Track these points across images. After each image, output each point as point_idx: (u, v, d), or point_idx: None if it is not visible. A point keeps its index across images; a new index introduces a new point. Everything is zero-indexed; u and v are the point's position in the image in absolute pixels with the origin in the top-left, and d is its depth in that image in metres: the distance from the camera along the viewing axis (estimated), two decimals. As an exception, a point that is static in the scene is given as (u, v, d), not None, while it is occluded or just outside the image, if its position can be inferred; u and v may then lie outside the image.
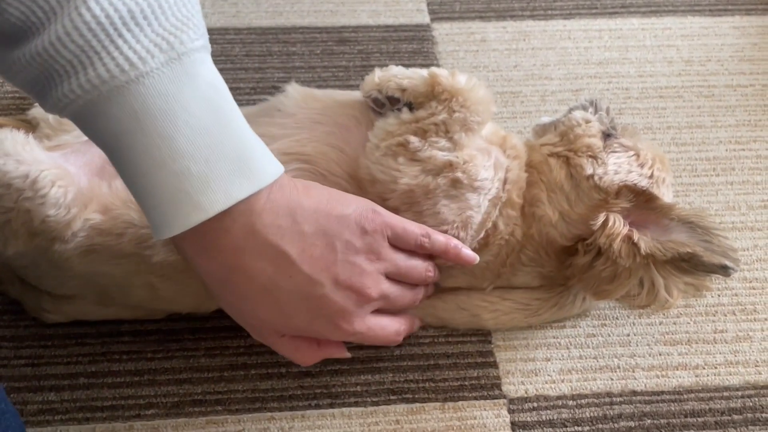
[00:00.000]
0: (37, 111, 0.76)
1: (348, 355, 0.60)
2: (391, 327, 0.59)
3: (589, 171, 0.63)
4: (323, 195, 0.54)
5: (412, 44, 0.96)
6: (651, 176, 0.64)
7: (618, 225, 0.60)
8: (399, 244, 0.57)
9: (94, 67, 0.44)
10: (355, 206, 0.55)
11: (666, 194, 0.65)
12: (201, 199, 0.46)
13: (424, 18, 1.00)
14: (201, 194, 0.46)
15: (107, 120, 0.46)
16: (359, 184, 0.62)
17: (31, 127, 0.76)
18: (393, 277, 0.57)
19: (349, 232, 0.53)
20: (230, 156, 0.47)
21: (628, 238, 0.60)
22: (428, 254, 0.60)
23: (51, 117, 0.73)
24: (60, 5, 0.44)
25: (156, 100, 0.45)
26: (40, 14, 0.44)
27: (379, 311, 0.58)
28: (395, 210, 0.60)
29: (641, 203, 0.62)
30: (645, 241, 0.60)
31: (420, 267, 0.59)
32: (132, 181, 0.49)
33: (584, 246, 0.62)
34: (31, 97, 0.49)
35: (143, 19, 0.45)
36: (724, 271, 0.59)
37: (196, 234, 0.48)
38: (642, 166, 0.64)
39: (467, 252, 0.60)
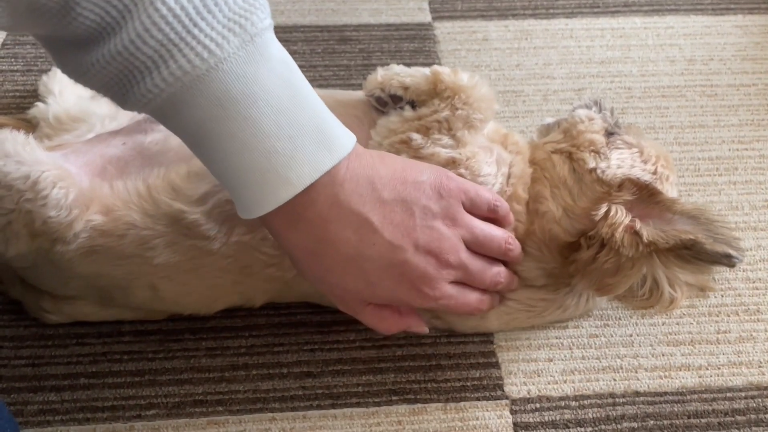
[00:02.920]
0: (37, 110, 0.76)
1: (426, 329, 0.61)
2: (472, 296, 0.58)
3: (591, 165, 0.63)
4: (398, 162, 0.55)
5: (413, 43, 0.95)
6: (654, 172, 0.64)
7: (620, 215, 0.60)
8: (474, 209, 0.58)
9: (174, 60, 0.45)
10: (429, 173, 0.55)
11: (670, 191, 0.65)
12: (289, 174, 0.48)
13: (426, 17, 0.99)
14: (288, 170, 0.47)
15: (191, 110, 0.46)
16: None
17: (31, 126, 0.76)
18: (471, 247, 0.57)
19: (426, 198, 0.54)
20: (310, 130, 0.48)
21: (631, 228, 0.60)
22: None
23: (51, 116, 0.73)
24: (134, 3, 0.44)
25: (236, 83, 0.46)
26: (114, 14, 0.44)
27: (462, 286, 0.58)
28: None
29: (644, 197, 0.62)
30: (647, 230, 0.59)
31: (498, 237, 0.59)
32: (218, 166, 0.49)
33: (587, 239, 0.61)
34: (109, 98, 0.49)
35: (214, 6, 0.45)
36: (728, 259, 0.59)
37: (284, 209, 0.49)
38: (645, 162, 0.64)
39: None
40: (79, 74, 0.49)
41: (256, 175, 0.48)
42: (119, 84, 0.47)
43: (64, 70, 0.50)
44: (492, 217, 0.60)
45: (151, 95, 0.46)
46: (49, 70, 0.84)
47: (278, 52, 0.49)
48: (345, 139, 0.51)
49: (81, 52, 0.47)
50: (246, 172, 0.48)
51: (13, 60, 0.91)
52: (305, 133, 0.48)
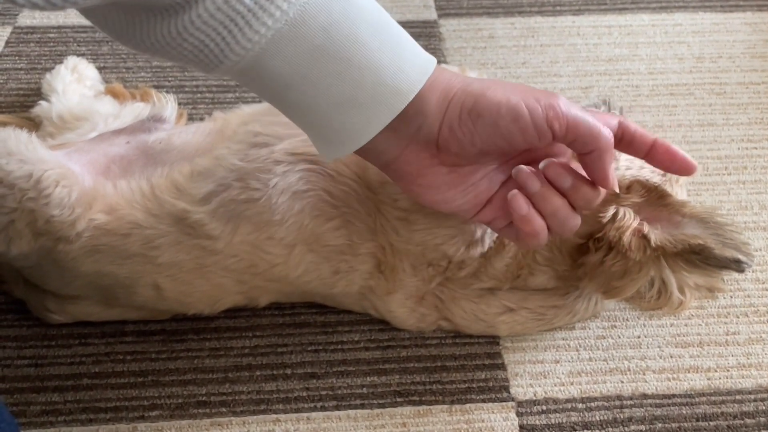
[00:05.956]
0: (40, 109, 0.76)
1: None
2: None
3: None
4: None
5: (419, 40, 0.93)
6: (664, 174, 0.63)
7: (628, 218, 0.59)
8: None
9: None
10: None
11: (679, 193, 0.64)
12: (400, 85, 0.49)
13: (431, 14, 0.99)
14: (399, 81, 0.48)
15: (299, 43, 0.46)
16: (368, 185, 0.61)
17: (34, 125, 0.76)
18: None
19: None
20: (406, 43, 0.50)
21: (638, 231, 0.59)
22: None
23: (54, 115, 0.73)
24: None
25: (336, 7, 0.46)
26: None
27: None
28: (405, 211, 0.59)
29: (653, 199, 0.61)
30: (655, 234, 0.59)
31: None
32: (324, 98, 0.49)
33: (595, 242, 0.61)
34: (195, 63, 0.48)
35: None
36: (737, 265, 0.58)
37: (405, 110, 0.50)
38: None
39: None
40: (164, 43, 0.47)
41: (368, 92, 0.48)
42: (216, 40, 0.46)
43: (142, 45, 0.48)
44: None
45: (257, 39, 0.45)
46: (53, 68, 0.84)
47: None
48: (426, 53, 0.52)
49: (171, 17, 0.46)
50: (360, 92, 0.48)
51: (17, 58, 0.91)
52: (402, 46, 0.49)
